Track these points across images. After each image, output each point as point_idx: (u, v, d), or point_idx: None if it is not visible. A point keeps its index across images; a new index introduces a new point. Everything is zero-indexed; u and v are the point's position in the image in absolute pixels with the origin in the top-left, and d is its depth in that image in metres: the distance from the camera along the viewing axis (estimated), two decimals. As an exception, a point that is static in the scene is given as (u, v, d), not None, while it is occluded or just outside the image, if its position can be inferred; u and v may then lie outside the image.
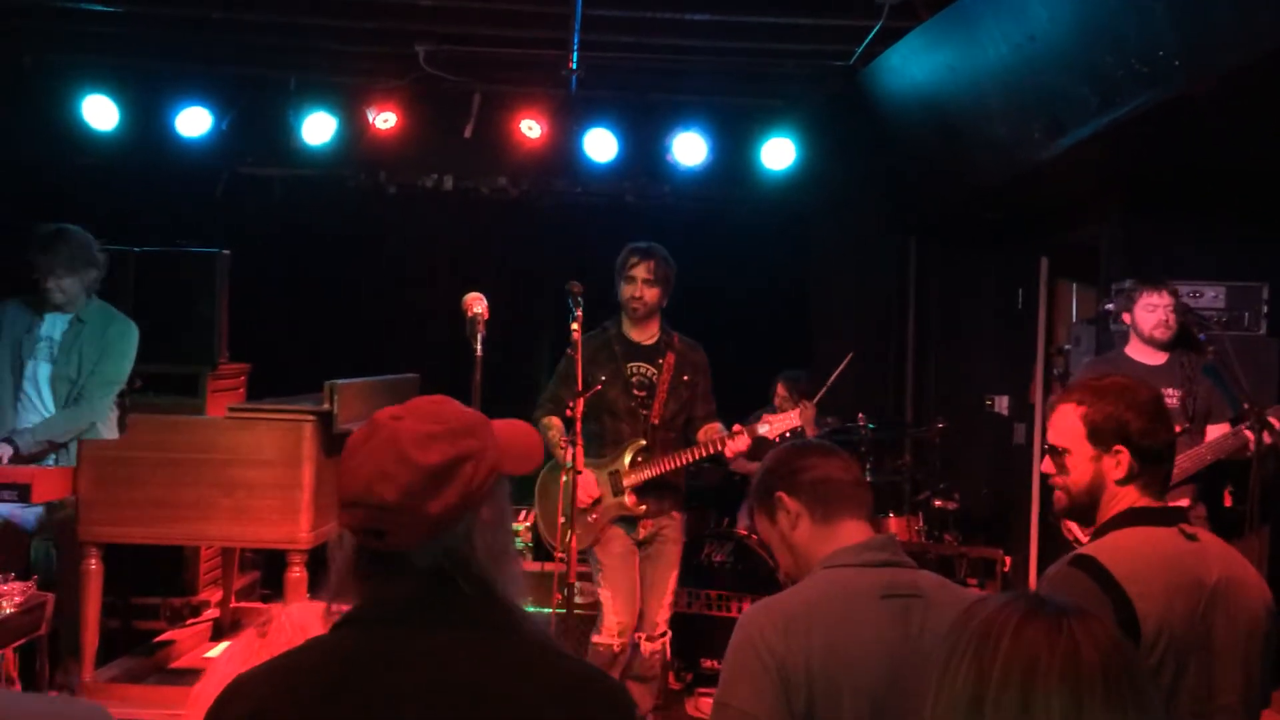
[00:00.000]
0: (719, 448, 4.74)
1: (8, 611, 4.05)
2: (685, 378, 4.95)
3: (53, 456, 5.10)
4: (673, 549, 5.00)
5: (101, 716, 1.39)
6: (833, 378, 5.16)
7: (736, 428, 4.76)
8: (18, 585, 4.12)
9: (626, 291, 4.92)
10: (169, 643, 5.67)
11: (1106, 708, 1.37)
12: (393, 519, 1.55)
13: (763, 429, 4.67)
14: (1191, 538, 2.33)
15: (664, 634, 5.04)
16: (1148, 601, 2.19)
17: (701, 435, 4.98)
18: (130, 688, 5.00)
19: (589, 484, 4.79)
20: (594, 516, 4.81)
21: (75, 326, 5.23)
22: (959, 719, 1.40)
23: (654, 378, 4.91)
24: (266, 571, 6.47)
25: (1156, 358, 5.20)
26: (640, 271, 4.88)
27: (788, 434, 4.63)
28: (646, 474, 4.84)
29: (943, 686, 1.43)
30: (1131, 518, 2.35)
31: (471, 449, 1.60)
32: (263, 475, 4.86)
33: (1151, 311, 5.16)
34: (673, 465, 4.83)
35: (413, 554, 1.57)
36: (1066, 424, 2.40)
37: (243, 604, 6.11)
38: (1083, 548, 2.36)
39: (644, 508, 4.87)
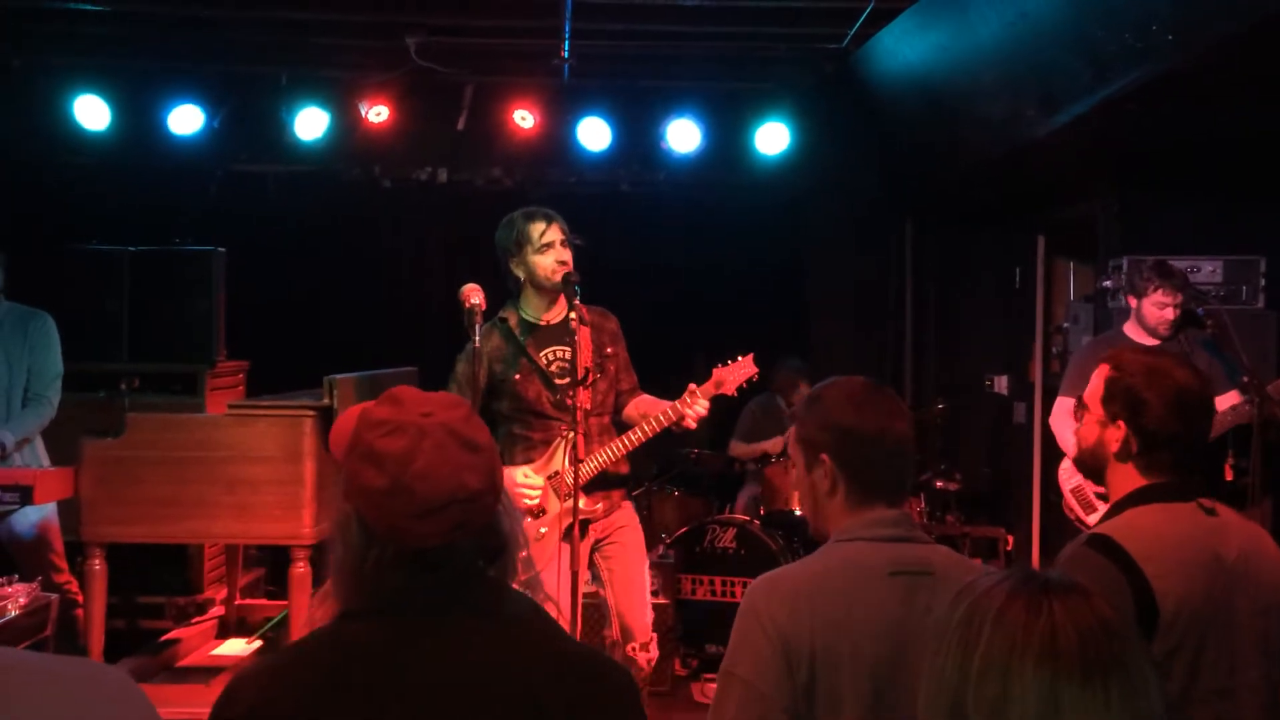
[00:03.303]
0: (673, 418, 4.15)
1: (12, 614, 4.05)
2: (609, 350, 4.35)
3: (16, 457, 4.98)
4: (633, 536, 4.40)
5: (122, 679, 1.38)
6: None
7: (691, 387, 4.16)
8: (22, 587, 4.13)
9: (548, 260, 4.23)
10: (175, 641, 5.68)
11: (1085, 691, 1.29)
12: (475, 507, 1.58)
13: (716, 386, 4.19)
14: (1210, 512, 2.28)
15: (653, 637, 4.44)
16: (1166, 580, 2.15)
17: (634, 411, 4.37)
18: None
19: (531, 488, 4.20)
20: (544, 529, 4.19)
21: None
22: (944, 712, 1.34)
23: (574, 360, 4.15)
24: (271, 568, 6.48)
25: (1154, 338, 5.19)
26: (556, 233, 4.24)
27: (744, 385, 4.25)
28: (593, 467, 4.18)
29: (930, 679, 1.38)
30: (1148, 494, 2.30)
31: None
32: (264, 471, 4.86)
33: (1161, 309, 5.15)
34: (622, 451, 4.23)
35: (456, 547, 1.57)
36: (1095, 381, 2.40)
37: (247, 601, 6.12)
38: (1098, 526, 2.31)
39: (600, 506, 4.26)
